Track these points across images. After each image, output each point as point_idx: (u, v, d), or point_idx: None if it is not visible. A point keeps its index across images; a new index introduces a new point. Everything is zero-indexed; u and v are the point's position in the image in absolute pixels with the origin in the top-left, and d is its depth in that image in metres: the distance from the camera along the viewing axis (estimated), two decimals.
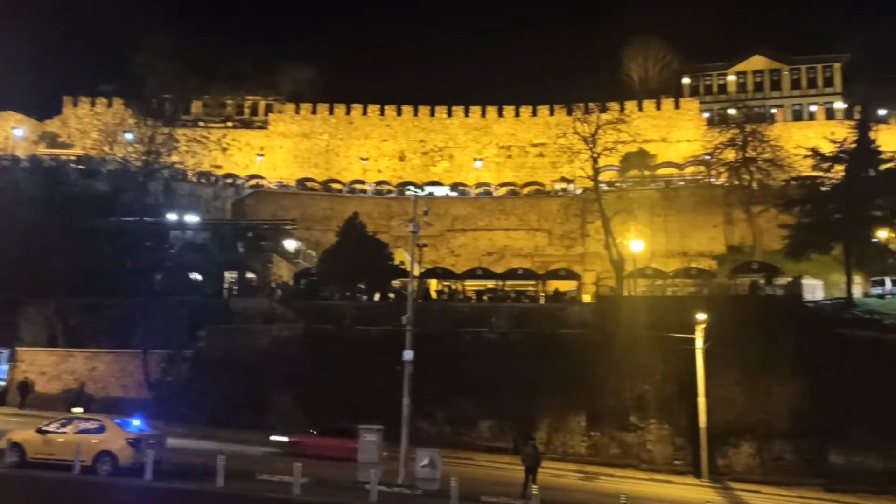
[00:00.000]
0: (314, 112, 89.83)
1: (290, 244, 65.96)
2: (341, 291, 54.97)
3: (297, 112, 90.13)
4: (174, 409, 42.60)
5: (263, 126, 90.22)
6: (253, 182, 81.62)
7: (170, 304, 48.46)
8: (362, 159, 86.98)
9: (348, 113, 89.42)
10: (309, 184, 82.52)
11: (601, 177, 62.13)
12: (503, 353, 45.27)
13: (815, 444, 41.18)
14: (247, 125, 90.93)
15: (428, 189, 77.97)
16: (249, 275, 60.20)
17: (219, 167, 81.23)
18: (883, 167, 60.42)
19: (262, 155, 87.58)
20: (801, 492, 37.43)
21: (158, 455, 26.67)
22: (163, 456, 27.39)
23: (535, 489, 23.32)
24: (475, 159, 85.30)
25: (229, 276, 59.73)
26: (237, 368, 44.95)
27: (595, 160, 58.63)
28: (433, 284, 60.98)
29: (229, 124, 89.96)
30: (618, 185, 71.53)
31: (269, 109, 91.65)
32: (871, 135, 63.13)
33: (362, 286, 55.75)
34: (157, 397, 45.19)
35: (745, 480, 39.23)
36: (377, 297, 55.34)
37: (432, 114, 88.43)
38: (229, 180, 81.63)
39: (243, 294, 56.88)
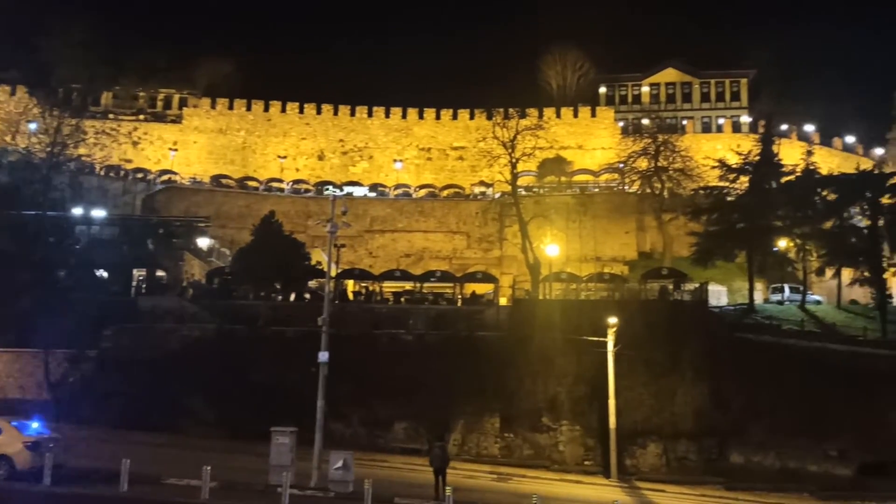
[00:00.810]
0: (231, 107, 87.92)
1: (204, 242, 64.34)
2: (256, 291, 53.98)
3: (213, 107, 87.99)
4: (77, 411, 40.92)
5: (177, 120, 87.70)
6: (165, 177, 79.24)
7: (73, 301, 46.45)
8: (280, 157, 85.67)
9: (266, 110, 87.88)
10: (224, 181, 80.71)
11: (519, 182, 63.09)
12: (420, 354, 45.34)
13: (717, 444, 42.87)
14: (160, 119, 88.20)
15: (347, 189, 77.45)
16: (160, 273, 58.41)
17: (129, 161, 78.49)
18: (784, 179, 63.56)
19: (175, 150, 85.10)
20: (702, 490, 38.86)
21: (58, 459, 25.56)
22: (63, 460, 26.26)
23: (448, 490, 23.40)
24: (395, 160, 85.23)
25: (138, 273, 57.82)
26: (146, 369, 43.47)
27: (514, 165, 59.49)
28: (350, 285, 60.61)
29: (141, 117, 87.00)
30: (535, 190, 72.79)
31: (183, 103, 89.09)
32: (774, 148, 66.38)
33: (278, 286, 54.91)
34: (58, 399, 43.25)
35: (651, 480, 40.41)
36: (293, 297, 54.59)
37: (353, 113, 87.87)
38: (140, 175, 79.03)
39: (153, 292, 55.12)
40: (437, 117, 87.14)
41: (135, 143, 76.81)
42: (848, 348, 48.50)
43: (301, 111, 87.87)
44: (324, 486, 28.00)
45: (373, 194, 79.40)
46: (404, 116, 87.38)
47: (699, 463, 42.61)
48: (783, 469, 42.68)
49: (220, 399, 42.42)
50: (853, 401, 43.43)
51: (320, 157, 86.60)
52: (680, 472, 41.96)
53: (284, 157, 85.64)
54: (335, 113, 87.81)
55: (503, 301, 55.80)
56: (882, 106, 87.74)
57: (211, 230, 67.84)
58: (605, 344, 41.22)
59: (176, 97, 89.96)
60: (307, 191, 79.68)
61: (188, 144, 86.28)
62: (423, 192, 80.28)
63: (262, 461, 29.36)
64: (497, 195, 70.98)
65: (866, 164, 76.01)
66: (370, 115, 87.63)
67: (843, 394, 43.40)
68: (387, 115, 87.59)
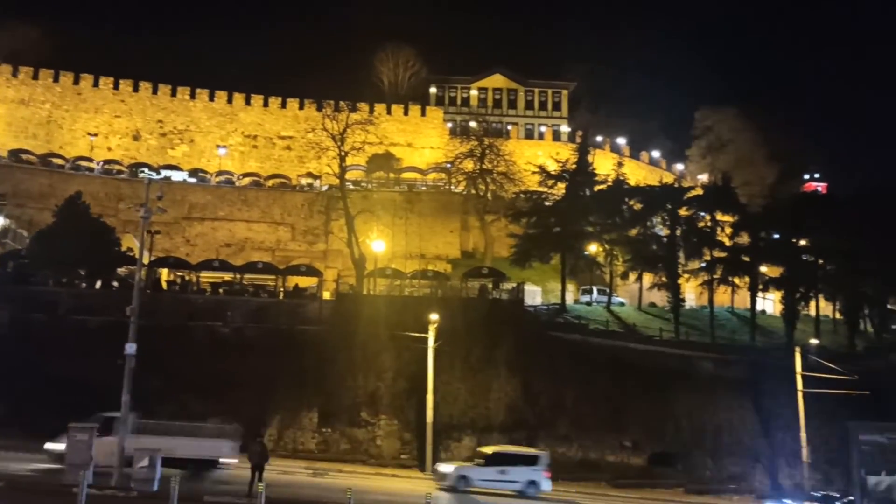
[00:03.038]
0: (35, 77, 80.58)
1: None
2: (56, 277, 49.95)
3: (14, 75, 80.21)
4: None
5: None
6: None
7: None
8: (90, 135, 79.69)
9: (77, 82, 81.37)
10: (24, 156, 73.88)
11: (347, 175, 62.74)
12: (238, 348, 44.05)
13: (526, 437, 44.96)
14: None
15: (165, 173, 73.58)
16: None
17: None
18: (596, 188, 67.78)
19: None
20: None
21: None
22: None
23: (260, 487, 22.85)
24: (218, 146, 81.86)
25: None
26: None
27: (342, 158, 59.06)
28: (165, 274, 57.63)
29: None
30: (363, 185, 72.64)
31: None
32: (589, 158, 70.59)
33: (82, 272, 51.13)
34: None
35: None
36: (98, 284, 51.06)
37: (173, 93, 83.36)
38: None
39: None
40: (265, 104, 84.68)
41: None
42: (646, 347, 52.62)
43: (116, 87, 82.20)
44: (126, 486, 26.43)
45: (193, 180, 75.80)
46: (230, 101, 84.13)
47: None
48: (585, 459, 45.60)
49: (13, 393, 38.84)
50: (647, 396, 47.23)
51: (136, 138, 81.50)
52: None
53: (95, 135, 79.79)
54: (154, 92, 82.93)
55: (327, 295, 55.32)
56: (684, 125, 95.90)
57: (6, 209, 61.96)
58: (426, 340, 41.97)
59: None
60: (120, 172, 74.70)
61: None
62: (247, 180, 77.71)
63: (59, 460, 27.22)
64: (324, 188, 70.18)
65: (668, 178, 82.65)
66: (193, 96, 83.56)
67: (639, 389, 47.06)
68: (211, 97, 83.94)
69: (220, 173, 77.73)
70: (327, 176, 65.73)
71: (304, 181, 77.45)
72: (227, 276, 56.52)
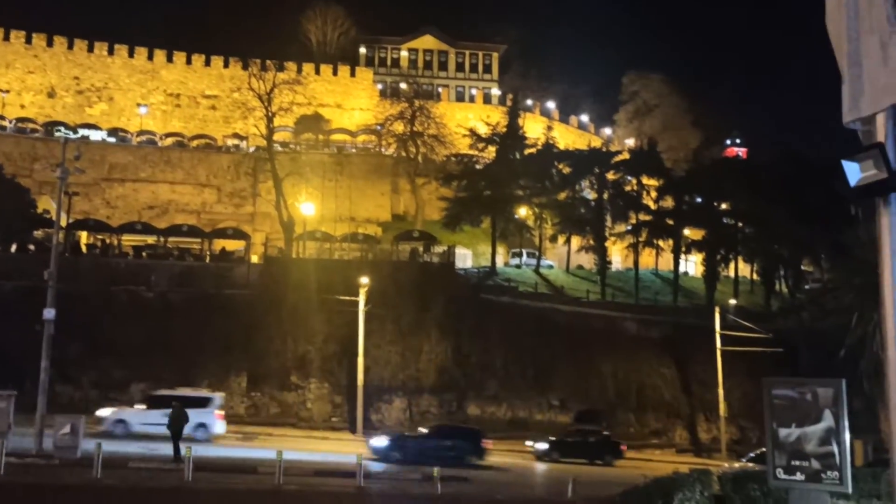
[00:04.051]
0: None
1: None
2: None
3: None
4: None
5: None
6: None
7: None
8: (1, 91, 75.75)
9: None
10: None
11: (275, 137, 61.52)
12: (162, 312, 43.12)
13: (456, 398, 45.63)
14: None
15: (82, 132, 70.56)
16: None
17: None
18: (527, 151, 68.25)
19: None
20: None
21: None
22: None
23: (188, 452, 22.54)
24: (139, 105, 78.90)
25: None
26: None
27: (270, 119, 57.80)
28: (84, 237, 55.69)
29: None
30: (292, 146, 71.29)
31: None
32: (519, 121, 70.87)
33: None
34: None
35: None
36: (14, 248, 49.01)
37: (90, 49, 79.66)
38: None
39: None
40: (188, 62, 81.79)
41: None
42: (573, 309, 53.77)
43: (28, 41, 78.07)
44: (48, 454, 25.71)
45: (112, 139, 72.97)
46: (150, 58, 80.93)
47: (440, 415, 45.05)
48: (514, 418, 46.57)
49: None
50: (574, 356, 48.40)
51: (51, 95, 77.83)
52: (423, 425, 43.99)
53: (7, 92, 75.83)
54: (70, 47, 79.11)
55: (255, 259, 54.47)
56: (612, 90, 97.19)
57: None
58: (356, 303, 41.85)
59: None
60: (34, 131, 71.32)
61: None
62: (170, 140, 75.26)
63: None
64: (251, 149, 68.57)
65: (597, 142, 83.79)
66: (111, 52, 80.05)
67: (566, 350, 48.16)
68: (130, 54, 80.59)
69: (141, 133, 75.03)
70: (254, 137, 64.23)
71: (230, 142, 75.46)
72: (151, 240, 54.97)
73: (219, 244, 55.76)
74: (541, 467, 35.34)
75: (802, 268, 70.23)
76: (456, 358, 46.68)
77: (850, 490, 17.41)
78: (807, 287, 68.19)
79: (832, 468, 17.27)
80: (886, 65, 5.20)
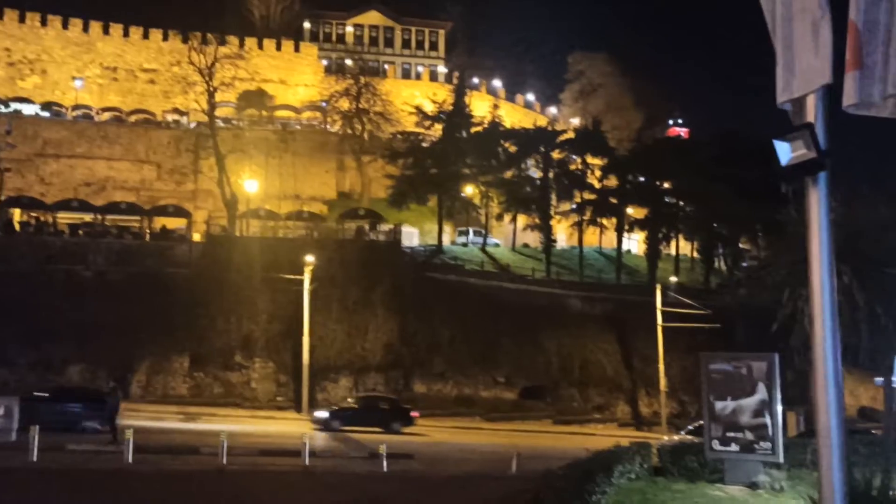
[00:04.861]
0: None
1: None
2: None
3: None
4: None
5: None
6: None
7: None
8: None
9: None
10: None
11: (217, 112, 60.27)
12: (101, 292, 42.11)
13: (403, 376, 45.80)
14: None
15: (14, 106, 67.92)
16: None
17: None
18: (473, 130, 68.29)
19: None
20: None
21: None
22: None
23: (128, 434, 22.12)
24: (74, 78, 76.28)
25: None
26: None
27: (211, 94, 56.58)
28: (17, 215, 53.84)
29: None
30: (234, 122, 69.89)
31: None
32: (466, 99, 70.83)
33: None
34: None
35: None
36: None
37: (22, 19, 76.50)
38: None
39: None
40: (126, 34, 79.24)
41: None
42: (518, 287, 54.30)
43: None
44: None
45: (46, 114, 70.40)
46: (86, 30, 78.19)
47: (387, 393, 45.16)
48: (460, 395, 46.96)
49: None
50: (520, 333, 48.94)
51: None
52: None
53: None
54: None
55: (197, 237, 53.49)
56: (558, 69, 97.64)
57: None
58: (301, 282, 41.50)
59: None
60: None
61: None
62: (107, 115, 72.97)
63: None
64: (192, 125, 67.07)
65: (542, 121, 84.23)
66: (44, 23, 77.03)
67: (512, 327, 48.65)
68: (64, 25, 77.69)
69: (77, 107, 72.62)
70: (195, 112, 62.78)
71: (170, 117, 73.58)
72: (88, 217, 53.43)
73: (159, 222, 54.56)
74: (322, 437, 32.80)
75: (741, 245, 72.06)
76: (402, 336, 46.75)
77: (781, 459, 18.20)
78: (744, 264, 69.99)
79: (765, 439, 17.96)
80: (817, 47, 5.33)
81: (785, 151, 5.39)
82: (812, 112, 5.43)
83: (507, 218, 67.52)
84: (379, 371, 45.42)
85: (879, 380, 15.88)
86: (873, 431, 23.85)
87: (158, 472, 20.76)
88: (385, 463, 23.08)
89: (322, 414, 37.06)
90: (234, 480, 20.29)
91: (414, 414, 38.28)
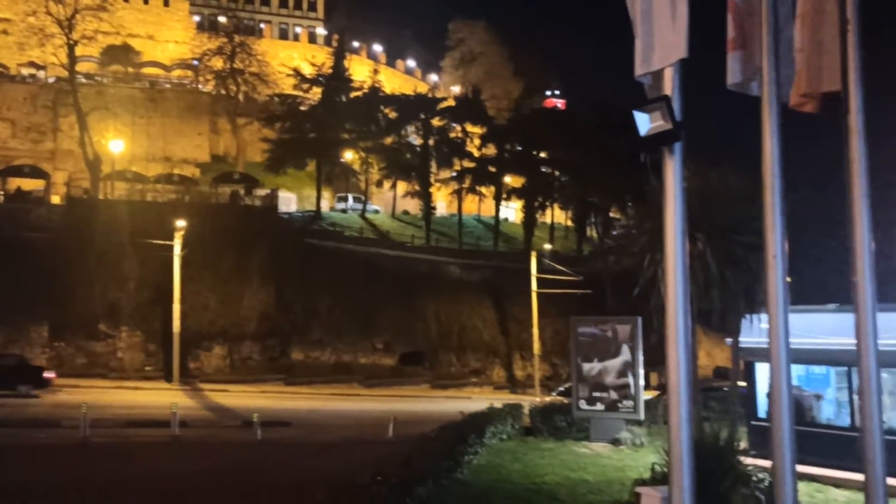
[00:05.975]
0: None
1: None
2: None
3: None
4: None
5: None
6: None
7: None
8: None
9: None
10: None
11: (78, 68, 56.64)
12: None
13: (279, 344, 45.20)
14: None
15: None
16: None
17: None
18: (353, 94, 67.28)
19: None
20: (263, 387, 40.83)
21: None
22: None
23: None
24: None
25: None
26: None
27: (71, 48, 53.05)
28: None
29: None
30: (97, 79, 65.87)
31: None
32: (346, 63, 69.59)
33: None
34: None
35: (215, 381, 41.01)
36: None
37: None
38: None
39: None
40: None
41: None
42: (398, 253, 54.47)
43: None
44: None
45: None
46: None
47: (263, 362, 44.53)
48: (338, 363, 46.87)
49: None
50: (399, 300, 49.19)
51: None
52: (244, 372, 43.30)
53: None
54: None
55: (56, 199, 50.44)
56: (439, 36, 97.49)
57: None
58: (171, 248, 39.95)
59: None
60: None
61: None
62: None
63: None
64: (51, 80, 62.74)
65: (423, 88, 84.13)
66: None
67: (391, 294, 48.81)
68: None
69: None
70: (53, 67, 58.74)
71: (25, 71, 68.41)
72: None
73: (14, 183, 51.06)
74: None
75: (611, 214, 74.95)
76: (279, 303, 46.00)
77: (642, 417, 19.30)
78: (614, 232, 72.74)
79: (628, 398, 19.01)
80: (674, 22, 5.54)
81: (644, 122, 5.60)
82: (669, 85, 5.65)
83: (386, 185, 67.30)
84: (255, 339, 44.58)
85: (729, 340, 17.09)
86: (725, 389, 25.62)
87: (17, 447, 19.68)
88: (259, 431, 22.79)
89: None
90: (95, 453, 19.50)
91: (49, 375, 33.58)
